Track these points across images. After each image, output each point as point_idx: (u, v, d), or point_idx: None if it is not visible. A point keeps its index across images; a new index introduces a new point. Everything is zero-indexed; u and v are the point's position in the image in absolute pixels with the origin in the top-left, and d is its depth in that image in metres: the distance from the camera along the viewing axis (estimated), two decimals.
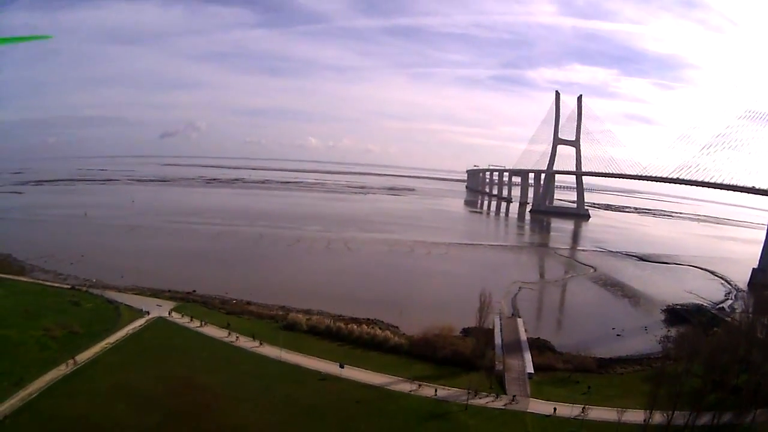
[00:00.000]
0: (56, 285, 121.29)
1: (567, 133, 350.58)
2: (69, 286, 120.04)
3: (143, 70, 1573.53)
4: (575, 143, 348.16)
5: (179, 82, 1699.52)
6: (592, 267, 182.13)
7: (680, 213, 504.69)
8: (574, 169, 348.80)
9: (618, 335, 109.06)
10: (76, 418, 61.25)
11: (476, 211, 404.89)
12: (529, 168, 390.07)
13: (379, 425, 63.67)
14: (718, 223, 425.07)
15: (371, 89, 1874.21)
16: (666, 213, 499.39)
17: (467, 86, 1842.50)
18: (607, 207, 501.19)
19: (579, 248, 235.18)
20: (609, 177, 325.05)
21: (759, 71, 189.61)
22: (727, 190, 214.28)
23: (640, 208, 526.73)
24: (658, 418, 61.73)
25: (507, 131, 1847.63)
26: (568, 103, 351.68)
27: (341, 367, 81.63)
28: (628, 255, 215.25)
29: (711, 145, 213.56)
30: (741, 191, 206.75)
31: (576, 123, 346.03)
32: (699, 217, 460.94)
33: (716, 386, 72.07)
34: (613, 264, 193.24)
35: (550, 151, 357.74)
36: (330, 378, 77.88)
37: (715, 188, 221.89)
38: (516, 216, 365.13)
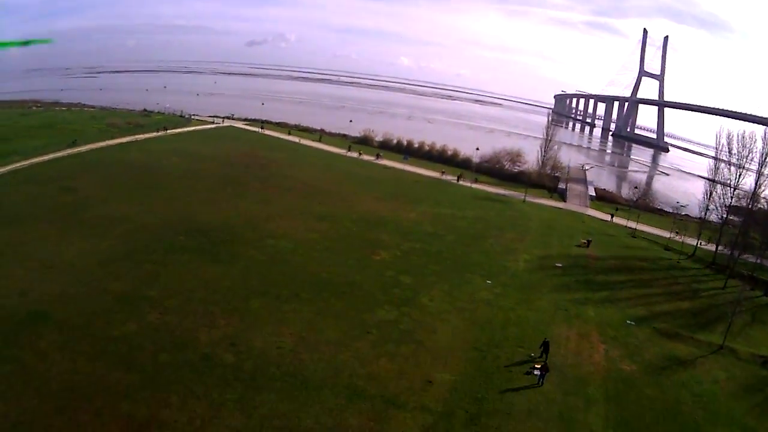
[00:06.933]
0: (128, 109, 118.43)
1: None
2: (141, 110, 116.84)
3: None
4: (659, 77, 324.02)
5: None
6: (666, 173, 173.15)
7: None
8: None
9: (682, 206, 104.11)
10: (120, 161, 60.93)
11: (560, 126, 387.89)
12: (614, 95, 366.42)
13: (434, 195, 63.76)
14: None
15: (467, 20, 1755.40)
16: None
17: (560, 28, 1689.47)
18: (686, 150, 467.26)
19: (656, 164, 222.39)
20: (694, 111, 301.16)
21: None
22: None
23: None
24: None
25: (592, 75, 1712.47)
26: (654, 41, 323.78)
27: (405, 158, 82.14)
28: (701, 177, 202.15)
29: None
30: None
31: (661, 60, 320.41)
32: None
33: None
34: (686, 177, 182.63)
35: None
36: (393, 169, 78.32)
37: None
38: (599, 136, 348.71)
